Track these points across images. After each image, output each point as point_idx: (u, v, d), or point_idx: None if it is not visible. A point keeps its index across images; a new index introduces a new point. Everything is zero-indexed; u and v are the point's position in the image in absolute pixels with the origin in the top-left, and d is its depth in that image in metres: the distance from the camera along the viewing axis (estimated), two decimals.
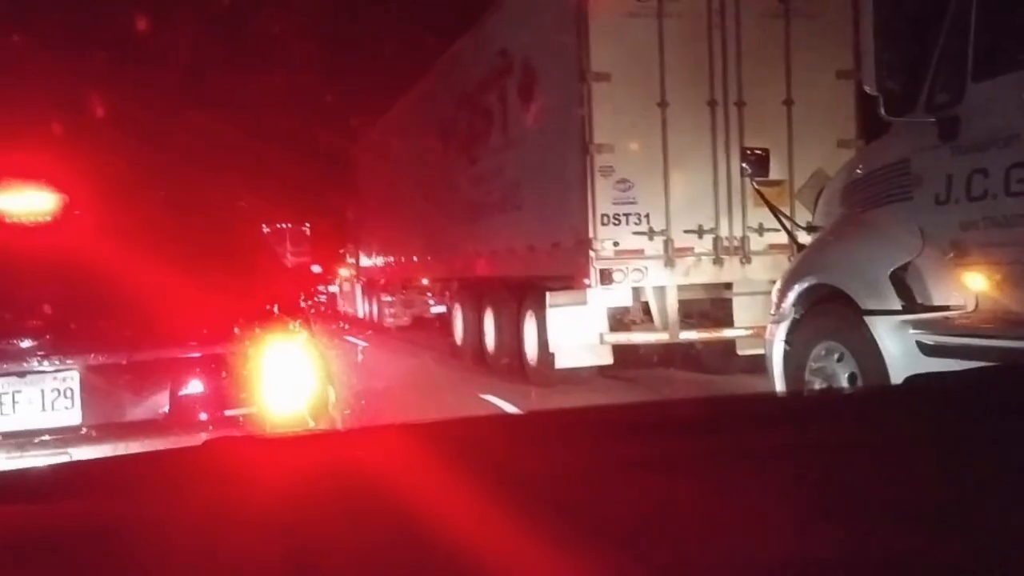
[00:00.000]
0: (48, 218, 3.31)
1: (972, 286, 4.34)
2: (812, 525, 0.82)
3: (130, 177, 3.70)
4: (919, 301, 4.52)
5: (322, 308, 22.41)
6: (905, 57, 4.41)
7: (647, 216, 8.50)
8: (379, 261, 18.73)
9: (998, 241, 4.13)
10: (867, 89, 4.55)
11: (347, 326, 18.22)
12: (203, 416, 3.08)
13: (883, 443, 1.04)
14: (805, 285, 5.27)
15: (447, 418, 1.29)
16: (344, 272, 23.18)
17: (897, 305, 4.55)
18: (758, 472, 0.95)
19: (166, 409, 3.05)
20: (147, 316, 3.05)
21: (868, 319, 4.64)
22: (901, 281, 4.58)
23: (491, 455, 1.05)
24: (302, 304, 3.78)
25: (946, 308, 4.44)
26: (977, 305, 4.33)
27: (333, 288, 24.65)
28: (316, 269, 24.95)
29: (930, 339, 4.36)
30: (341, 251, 23.44)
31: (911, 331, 4.45)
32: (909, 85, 4.45)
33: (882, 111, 4.53)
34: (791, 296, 5.35)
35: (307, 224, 27.60)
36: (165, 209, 3.57)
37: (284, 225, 25.21)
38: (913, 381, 1.23)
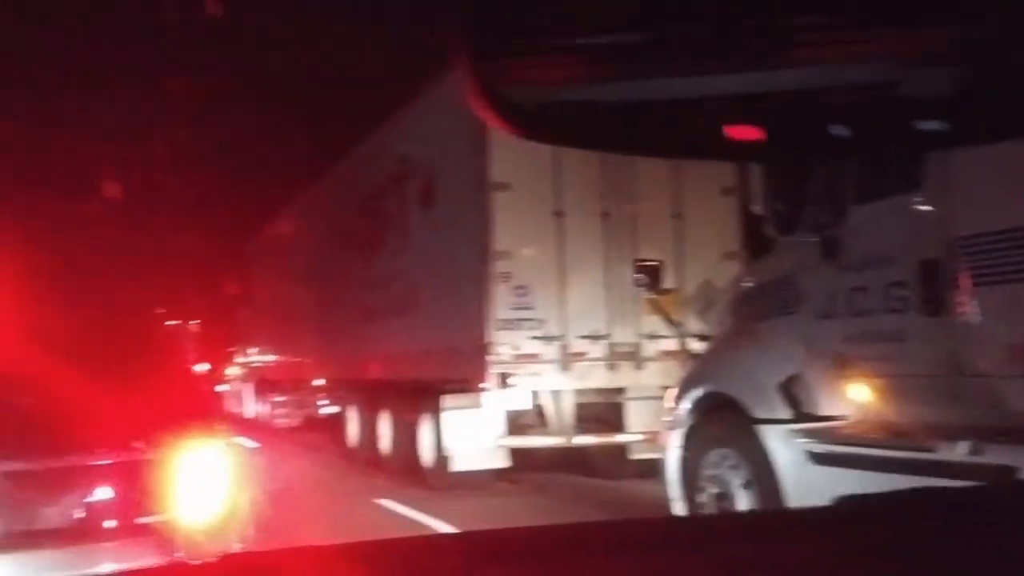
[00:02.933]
0: None
1: (855, 397, 4.59)
2: None
3: (43, 280, 3.62)
4: (807, 411, 4.74)
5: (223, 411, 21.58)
6: (790, 180, 4.74)
7: (544, 321, 8.67)
8: (270, 360, 18.31)
9: (878, 355, 4.40)
10: (754, 209, 4.85)
11: (236, 426, 17.60)
12: (115, 524, 2.97)
13: (811, 566, 1.08)
14: (699, 393, 5.46)
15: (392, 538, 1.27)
16: (234, 371, 22.49)
17: (786, 414, 4.77)
18: None
19: (78, 516, 2.96)
20: (62, 422, 2.98)
21: (759, 427, 4.83)
22: (789, 391, 4.81)
23: None
24: (213, 405, 3.73)
25: (831, 418, 4.67)
26: (860, 415, 4.57)
27: (223, 387, 23.83)
28: (204, 368, 24.09)
29: (818, 448, 4.57)
30: (231, 349, 22.78)
31: (799, 439, 4.65)
32: (794, 206, 4.76)
33: (768, 230, 4.82)
34: (685, 403, 5.53)
35: (195, 321, 26.71)
36: (81, 314, 3.49)
37: (172, 323, 24.27)
38: (842, 503, 1.29)
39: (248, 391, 20.38)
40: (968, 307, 3.87)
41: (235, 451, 3.41)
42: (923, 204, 4.13)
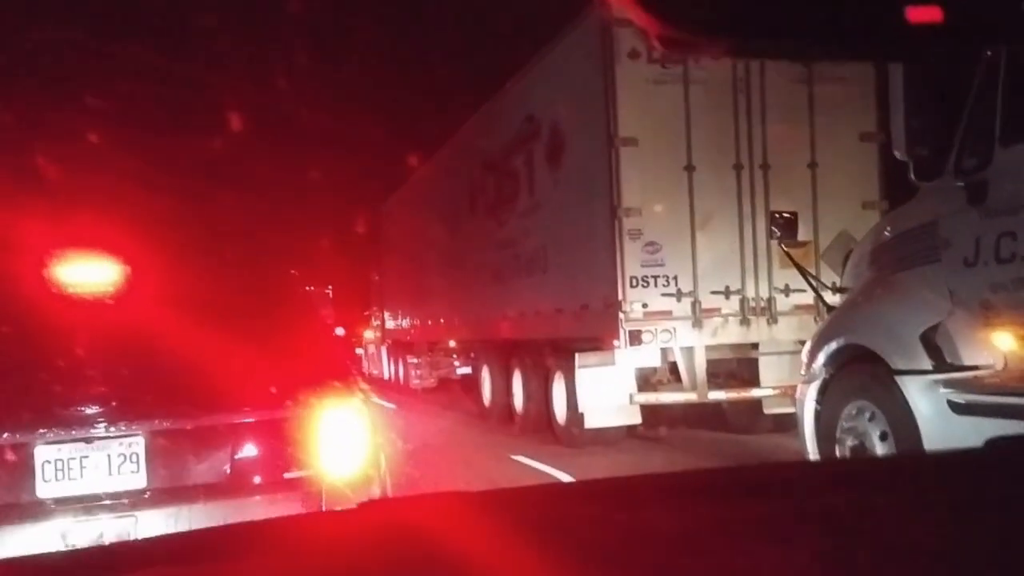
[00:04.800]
0: (112, 287, 3.44)
1: (1001, 346, 4.41)
2: None
3: (189, 244, 3.85)
4: (949, 361, 4.59)
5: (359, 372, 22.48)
6: (933, 123, 4.55)
7: (675, 278, 8.61)
8: (404, 323, 18.86)
9: None
10: (896, 154, 4.68)
11: (373, 388, 18.28)
12: (262, 479, 3.17)
13: (969, 506, 1.05)
14: (835, 345, 5.34)
15: (527, 486, 1.32)
16: (369, 334, 23.27)
17: (928, 365, 4.62)
18: (836, 536, 0.97)
19: (227, 471, 3.14)
20: (209, 382, 3.15)
21: (899, 379, 4.71)
22: (931, 341, 4.65)
23: (551, 523, 1.09)
24: (351, 367, 3.90)
25: (976, 368, 4.50)
26: (1006, 364, 4.39)
27: (358, 351, 24.73)
28: (340, 332, 25.05)
29: (961, 398, 4.42)
30: (366, 313, 23.57)
31: (942, 390, 4.51)
32: (937, 150, 4.57)
33: (911, 175, 4.65)
34: (822, 356, 5.42)
35: (329, 287, 27.76)
36: (223, 277, 3.70)
37: (307, 288, 25.31)
38: (995, 444, 1.27)
39: (384, 353, 21.05)
40: None
41: (372, 408, 3.56)
42: None
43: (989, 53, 4.27)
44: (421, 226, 16.76)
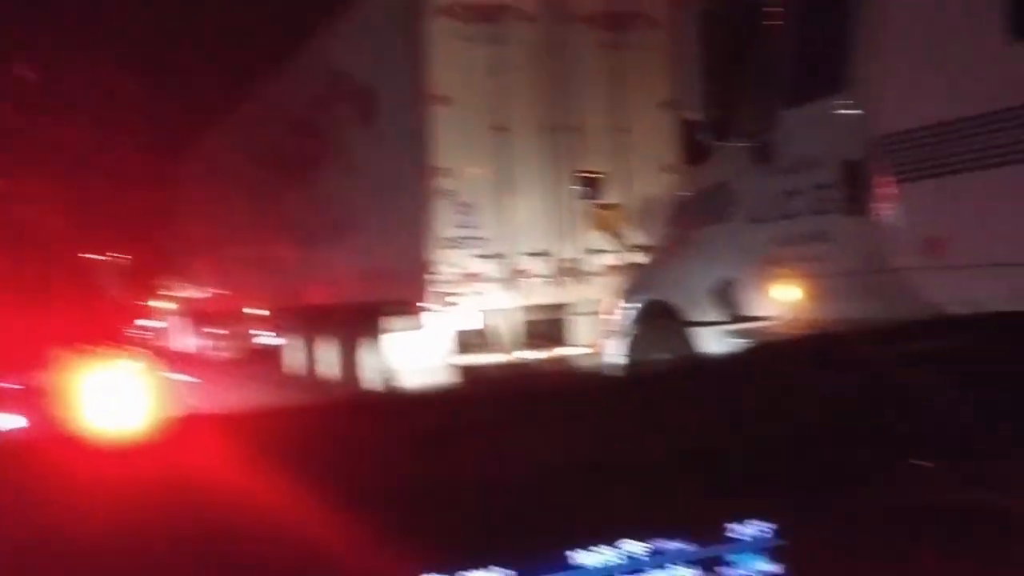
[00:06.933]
0: None
1: (786, 298, 4.67)
2: None
3: None
4: (740, 313, 4.82)
5: (148, 343, 21.20)
6: (722, 86, 4.73)
7: (488, 239, 8.62)
8: (208, 293, 17.95)
9: (807, 256, 4.47)
10: (688, 116, 4.84)
11: (172, 361, 17.33)
12: None
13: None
14: (639, 302, 5.52)
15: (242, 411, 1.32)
16: (170, 305, 22.06)
17: (719, 317, 4.84)
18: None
19: None
20: None
21: (692, 330, 4.92)
22: (721, 295, 4.88)
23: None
24: (129, 335, 3.65)
25: (763, 318, 4.75)
26: (790, 315, 4.66)
27: (160, 322, 23.37)
28: (139, 302, 23.58)
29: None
30: (167, 282, 22.33)
31: (729, 340, 4.74)
32: (726, 112, 4.76)
33: (702, 136, 4.83)
34: (628, 313, 5.59)
35: (129, 256, 26.06)
36: None
37: (103, 256, 23.63)
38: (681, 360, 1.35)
39: (186, 325, 20.02)
40: (886, 204, 3.95)
41: (154, 377, 3.33)
42: (846, 106, 4.16)
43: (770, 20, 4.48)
44: (223, 188, 15.95)
